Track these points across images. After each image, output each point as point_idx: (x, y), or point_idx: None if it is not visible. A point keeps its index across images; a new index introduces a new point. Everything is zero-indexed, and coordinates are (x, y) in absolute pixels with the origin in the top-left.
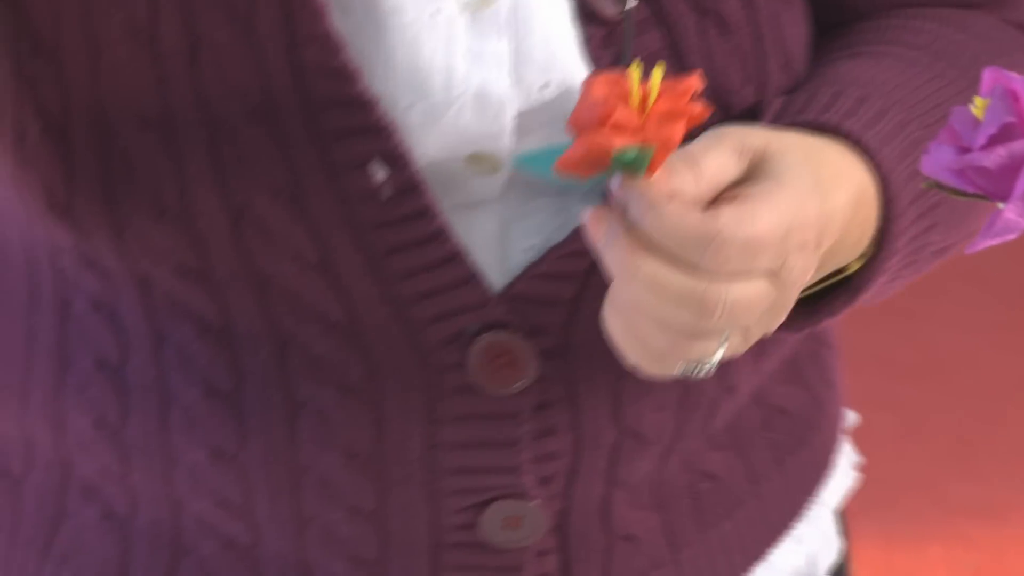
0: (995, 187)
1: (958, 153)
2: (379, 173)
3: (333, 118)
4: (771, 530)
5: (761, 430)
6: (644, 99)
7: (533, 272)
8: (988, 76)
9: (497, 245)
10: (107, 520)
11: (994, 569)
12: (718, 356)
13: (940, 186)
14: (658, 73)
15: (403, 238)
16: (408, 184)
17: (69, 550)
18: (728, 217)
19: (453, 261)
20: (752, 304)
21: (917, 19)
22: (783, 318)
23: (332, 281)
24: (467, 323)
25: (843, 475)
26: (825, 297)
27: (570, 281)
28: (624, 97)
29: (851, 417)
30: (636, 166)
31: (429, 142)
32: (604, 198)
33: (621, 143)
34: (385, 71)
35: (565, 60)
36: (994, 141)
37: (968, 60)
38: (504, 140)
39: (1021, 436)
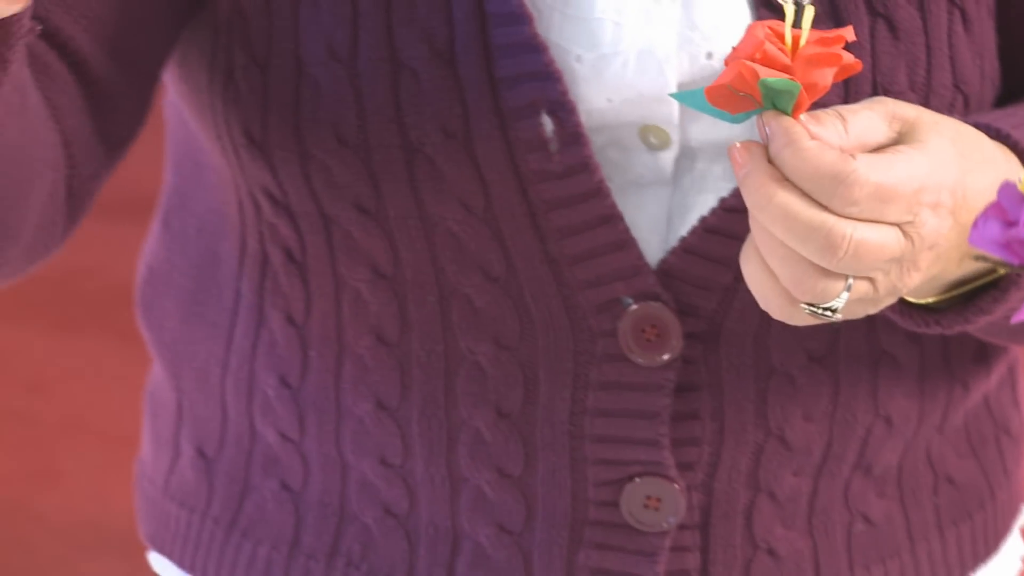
0: None
1: (1004, 227)
2: (547, 125)
3: (507, 64)
4: None
5: (929, 492)
6: (796, 41)
7: (686, 245)
8: None
9: (662, 228)
10: (284, 491)
11: None
12: (843, 299)
13: (987, 258)
14: (809, 15)
15: (564, 194)
16: (572, 136)
17: (251, 523)
18: (864, 161)
19: (611, 222)
20: (878, 249)
21: None
22: (914, 280)
23: (495, 231)
24: (620, 291)
25: (1008, 563)
26: (975, 300)
27: (725, 267)
28: (779, 37)
29: None
30: (783, 100)
31: (596, 95)
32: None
33: (766, 74)
34: (561, 21)
35: (731, 33)
36: None
37: None
38: (672, 108)
39: None
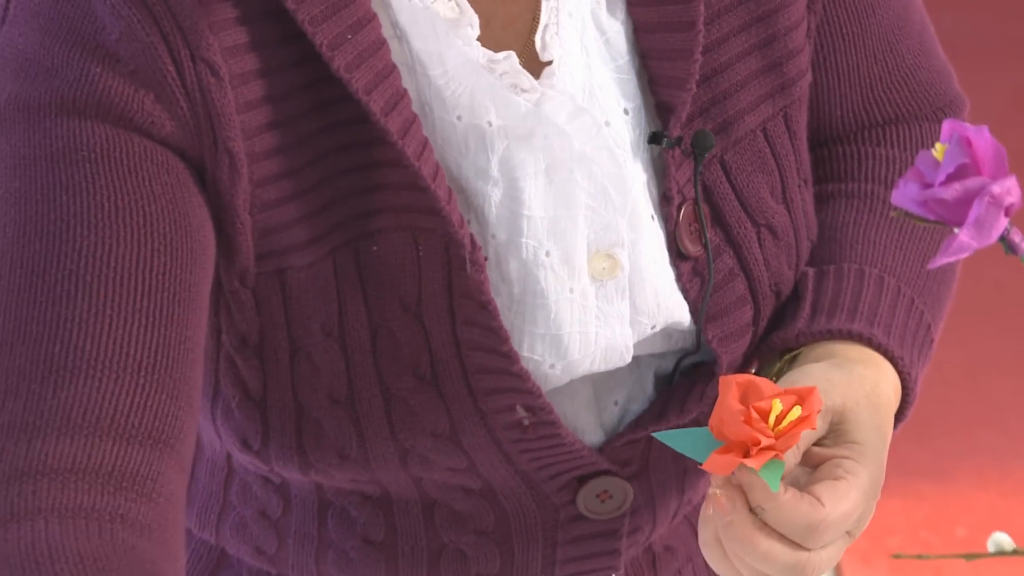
0: (952, 215)
1: (922, 188)
2: (522, 412)
3: (485, 381)
4: None
5: None
6: (779, 418)
7: (629, 437)
8: (947, 127)
9: (593, 404)
10: None
11: (940, 519)
12: None
13: (908, 215)
14: (797, 408)
15: (535, 447)
16: (545, 423)
17: None
18: (829, 503)
19: (570, 445)
20: (830, 561)
21: (882, 146)
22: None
23: (475, 474)
24: (576, 474)
25: None
26: None
27: (647, 439)
28: (763, 419)
29: None
30: (768, 470)
31: (566, 386)
32: (674, 373)
33: (762, 461)
34: (532, 341)
35: (669, 305)
36: (951, 179)
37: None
38: (623, 364)
39: (963, 413)
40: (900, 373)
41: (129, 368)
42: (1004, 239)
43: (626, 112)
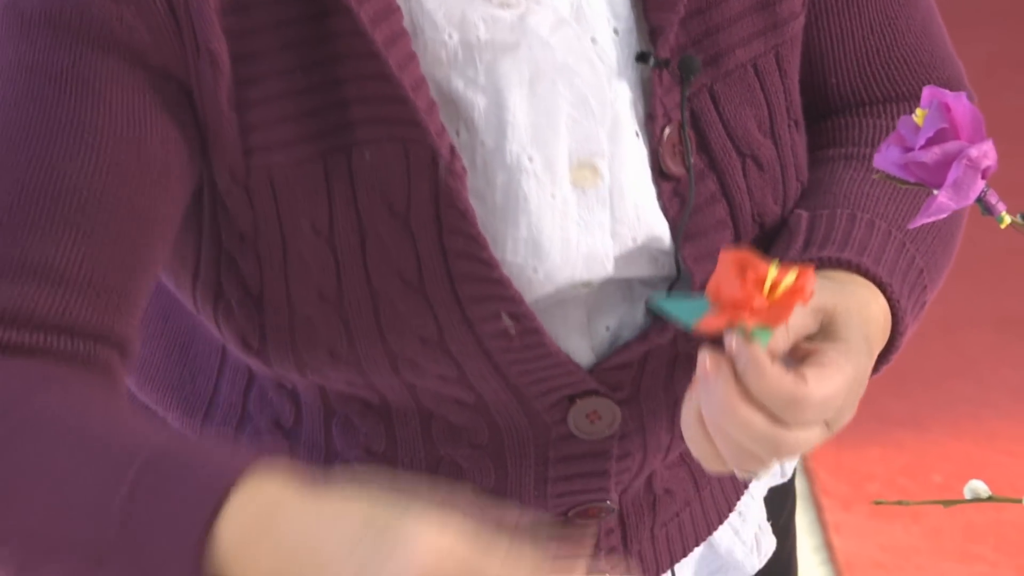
0: (931, 178)
1: (903, 152)
2: (507, 320)
3: (470, 288)
4: None
5: None
6: (773, 287)
7: (618, 359)
8: (927, 93)
9: (584, 331)
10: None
11: (917, 467)
12: (766, 471)
13: (890, 177)
14: (792, 273)
15: (522, 356)
16: (530, 329)
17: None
18: (812, 381)
19: (554, 356)
20: (808, 445)
21: (882, 118)
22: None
23: (467, 385)
24: (567, 392)
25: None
26: None
27: (640, 354)
28: (758, 284)
29: None
30: (756, 337)
31: (549, 293)
32: (666, 294)
33: (753, 324)
34: (514, 245)
35: (649, 219)
36: (931, 142)
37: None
38: (605, 275)
39: (939, 366)
40: (889, 300)
41: (57, 277)
42: (981, 200)
43: (616, 32)
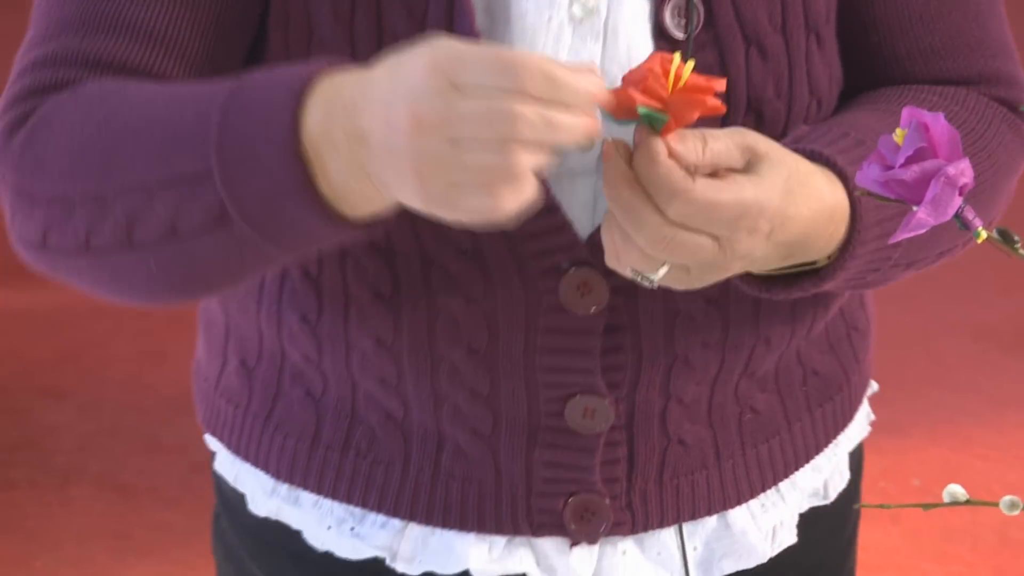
0: (911, 195)
1: (884, 170)
2: None
3: None
4: (797, 457)
5: (799, 384)
6: (676, 79)
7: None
8: (906, 113)
9: (590, 207)
10: (307, 397)
11: (897, 471)
12: (659, 275)
13: (871, 194)
14: (690, 64)
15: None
16: None
17: (282, 419)
18: (701, 184)
19: (552, 210)
20: (690, 251)
21: (924, 92)
22: (720, 277)
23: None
24: (560, 260)
25: (860, 427)
26: (798, 280)
27: None
28: (664, 73)
29: (873, 386)
30: (653, 124)
31: (566, 182)
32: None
33: (642, 102)
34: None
35: (641, 60)
36: (910, 161)
37: (959, 124)
38: (597, 114)
39: (918, 373)
40: (850, 195)
41: (147, 36)
42: (958, 216)
43: None
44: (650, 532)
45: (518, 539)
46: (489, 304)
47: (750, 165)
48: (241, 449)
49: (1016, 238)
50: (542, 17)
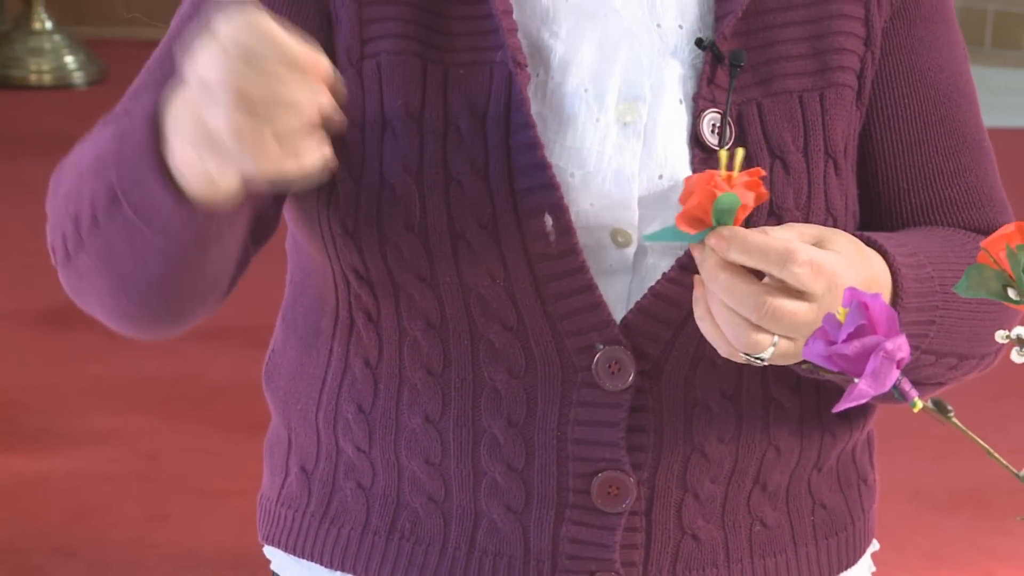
0: (852, 368)
1: (827, 345)
2: (549, 221)
3: (524, 179)
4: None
5: (808, 512)
6: (729, 177)
7: (640, 307)
8: (847, 294)
9: (624, 301)
10: (359, 489)
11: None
12: (769, 352)
13: (815, 367)
14: (740, 155)
15: (558, 270)
16: (565, 229)
17: (336, 514)
18: (801, 245)
19: (589, 291)
20: (792, 313)
21: (959, 234)
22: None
23: (510, 294)
24: (595, 339)
25: (863, 569)
26: None
27: (667, 324)
28: (715, 173)
29: (874, 544)
30: (727, 217)
31: (582, 201)
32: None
33: (719, 192)
34: (560, 150)
35: (676, 162)
36: (851, 337)
37: (956, 247)
38: (633, 215)
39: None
40: (891, 267)
41: None
42: (896, 388)
43: (680, 27)
44: None
45: None
46: (530, 378)
47: (819, 243)
48: (299, 548)
49: (950, 408)
50: (591, 118)
